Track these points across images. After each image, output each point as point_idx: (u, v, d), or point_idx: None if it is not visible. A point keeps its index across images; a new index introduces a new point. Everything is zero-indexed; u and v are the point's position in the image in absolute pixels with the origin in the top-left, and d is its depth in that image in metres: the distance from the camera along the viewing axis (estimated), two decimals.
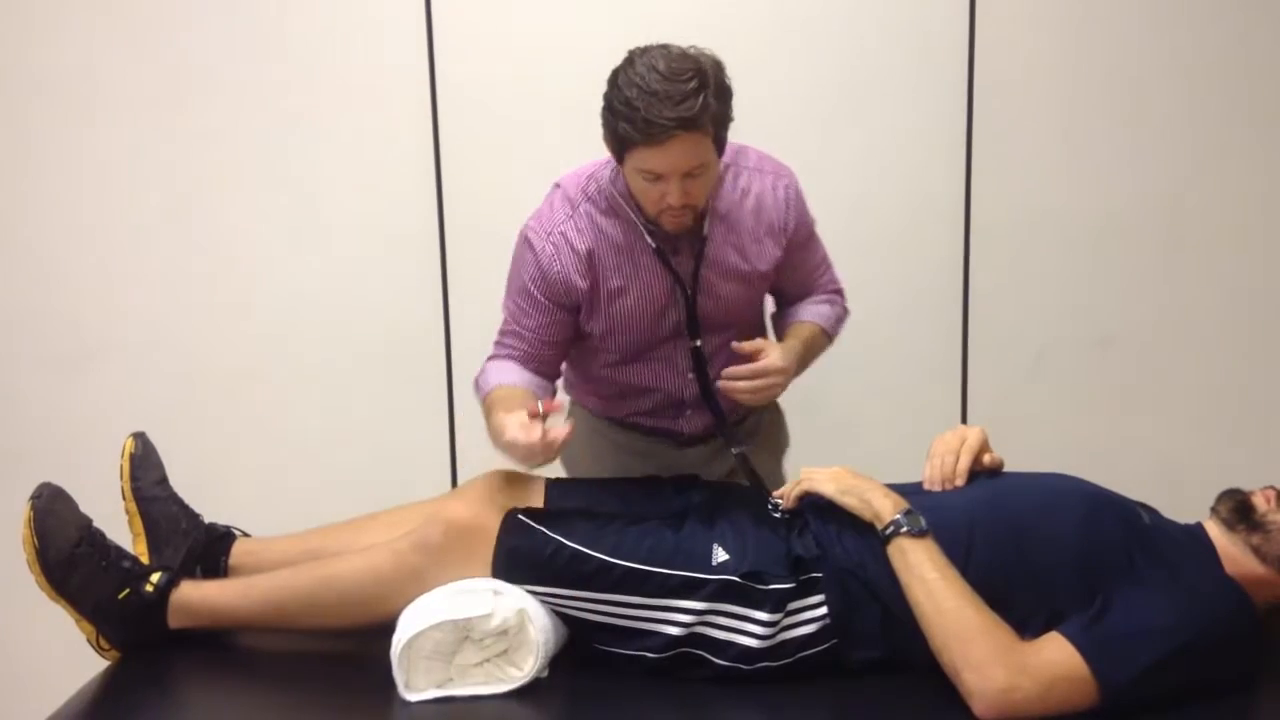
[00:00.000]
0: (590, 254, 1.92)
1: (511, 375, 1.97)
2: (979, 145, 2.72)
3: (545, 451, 1.73)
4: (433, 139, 2.75)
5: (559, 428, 1.75)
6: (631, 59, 1.76)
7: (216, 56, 2.72)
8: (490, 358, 2.03)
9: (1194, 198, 2.75)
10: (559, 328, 1.98)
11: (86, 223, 2.80)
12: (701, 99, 1.70)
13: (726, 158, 1.91)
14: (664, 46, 1.77)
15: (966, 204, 2.75)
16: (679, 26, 2.63)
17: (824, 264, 2.12)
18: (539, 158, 2.74)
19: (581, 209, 1.94)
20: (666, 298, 1.95)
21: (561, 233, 1.93)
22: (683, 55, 1.75)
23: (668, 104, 1.69)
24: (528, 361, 1.99)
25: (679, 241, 1.92)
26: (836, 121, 2.68)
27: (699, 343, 1.98)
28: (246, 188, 2.79)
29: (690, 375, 2.02)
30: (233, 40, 2.72)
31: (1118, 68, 2.70)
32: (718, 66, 1.77)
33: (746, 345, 1.91)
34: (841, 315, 2.15)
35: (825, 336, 2.10)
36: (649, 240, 1.91)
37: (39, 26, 2.72)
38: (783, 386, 1.95)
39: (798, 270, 2.07)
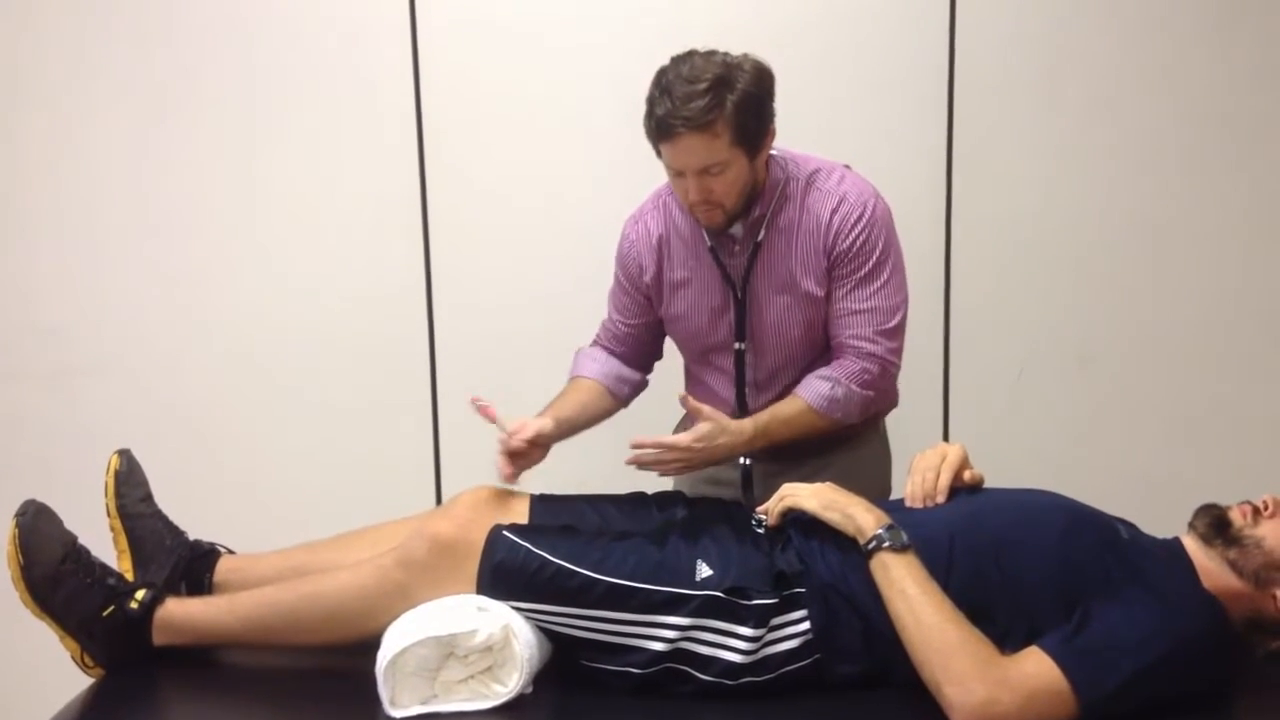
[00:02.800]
0: (661, 241, 2.08)
1: (591, 366, 2.19)
2: (959, 163, 2.75)
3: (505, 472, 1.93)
4: (417, 150, 2.76)
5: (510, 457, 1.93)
6: (674, 59, 1.87)
7: (200, 68, 2.74)
8: (593, 341, 2.24)
9: (1174, 215, 2.78)
10: (638, 310, 2.16)
11: (69, 235, 2.80)
12: (709, 101, 1.80)
13: (804, 173, 1.99)
14: (709, 51, 1.87)
15: (947, 221, 2.77)
16: (658, 28, 2.69)
17: (862, 315, 1.99)
18: (525, 175, 2.77)
19: (663, 200, 2.08)
20: (722, 298, 2.04)
21: (644, 221, 2.11)
22: (712, 60, 1.84)
23: (679, 103, 1.80)
24: (615, 342, 2.21)
25: (734, 244, 2.00)
26: (814, 138, 2.69)
27: (741, 345, 2.05)
28: (231, 200, 2.79)
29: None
30: (216, 53, 2.73)
31: (1097, 85, 2.73)
32: (755, 76, 1.86)
33: (691, 404, 1.97)
34: (847, 396, 1.99)
35: (815, 415, 2.00)
36: (705, 238, 2.01)
37: (21, 36, 2.73)
38: (689, 465, 1.96)
39: (831, 306, 2.00)
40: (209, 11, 2.73)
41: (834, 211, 1.97)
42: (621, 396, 2.20)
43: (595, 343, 2.25)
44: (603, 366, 2.19)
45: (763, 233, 1.99)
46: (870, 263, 1.98)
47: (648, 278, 2.11)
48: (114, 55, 2.73)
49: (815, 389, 2.01)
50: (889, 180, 2.74)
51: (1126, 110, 2.74)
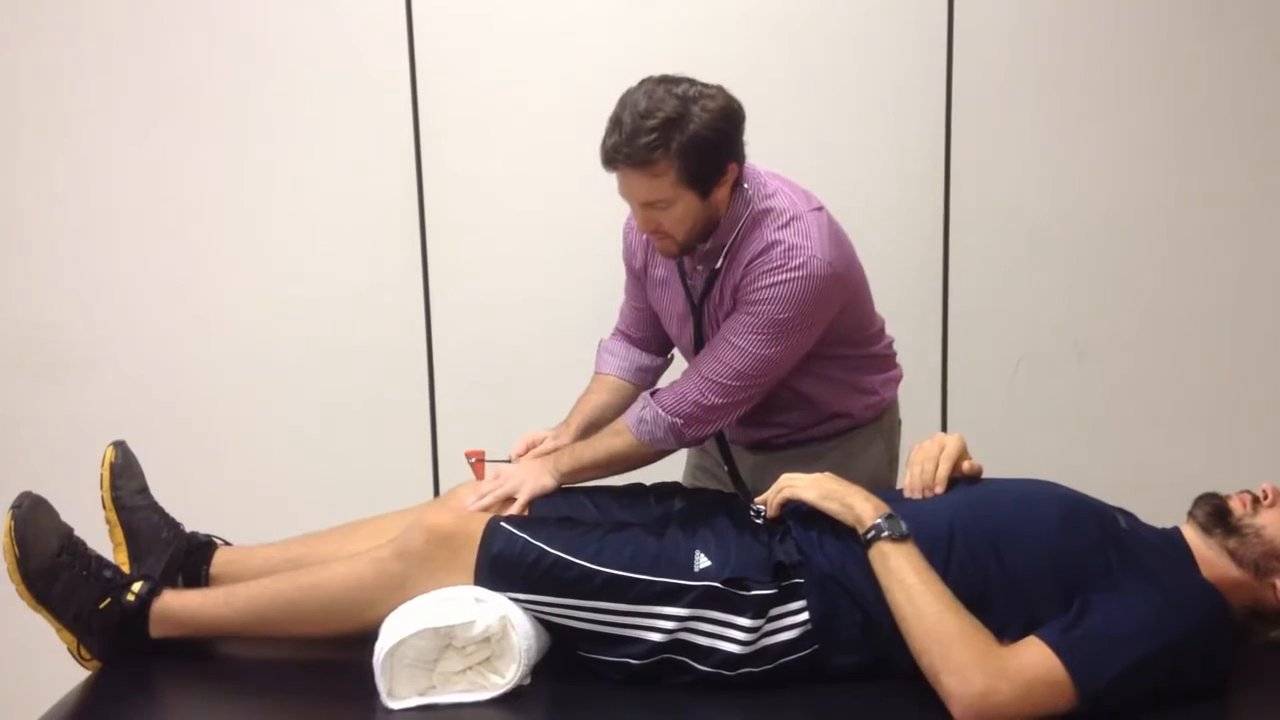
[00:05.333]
0: (650, 239, 2.02)
1: (611, 361, 2.21)
2: (958, 156, 2.74)
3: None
4: (414, 145, 2.75)
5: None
6: (641, 83, 1.83)
7: (197, 64, 2.72)
8: (614, 328, 2.27)
9: (1173, 208, 2.77)
10: (639, 294, 2.18)
11: (65, 230, 2.79)
12: (654, 140, 1.76)
13: (758, 210, 1.89)
14: (671, 80, 1.81)
15: (945, 215, 2.77)
16: (656, 23, 2.68)
17: (714, 351, 1.92)
18: (522, 172, 2.77)
19: None
20: (684, 308, 2.04)
21: None
22: (673, 94, 1.79)
23: (625, 137, 1.77)
24: (632, 327, 2.23)
25: (696, 264, 1.98)
26: (813, 132, 2.69)
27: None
28: (227, 196, 2.78)
29: None
30: (213, 48, 2.72)
31: (1096, 78, 2.72)
32: (716, 116, 1.79)
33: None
34: (655, 419, 1.93)
35: (613, 433, 1.99)
36: None
37: (16, 30, 2.72)
38: (498, 494, 1.91)
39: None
40: (205, 8, 2.72)
41: (755, 257, 1.87)
42: (645, 384, 2.22)
43: (616, 329, 2.26)
44: (622, 361, 2.21)
45: (721, 261, 1.93)
46: (762, 314, 1.86)
47: (637, 265, 2.12)
48: (110, 52, 2.72)
49: (633, 407, 1.99)
50: (888, 174, 2.76)
51: (1125, 103, 2.73)
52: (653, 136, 1.76)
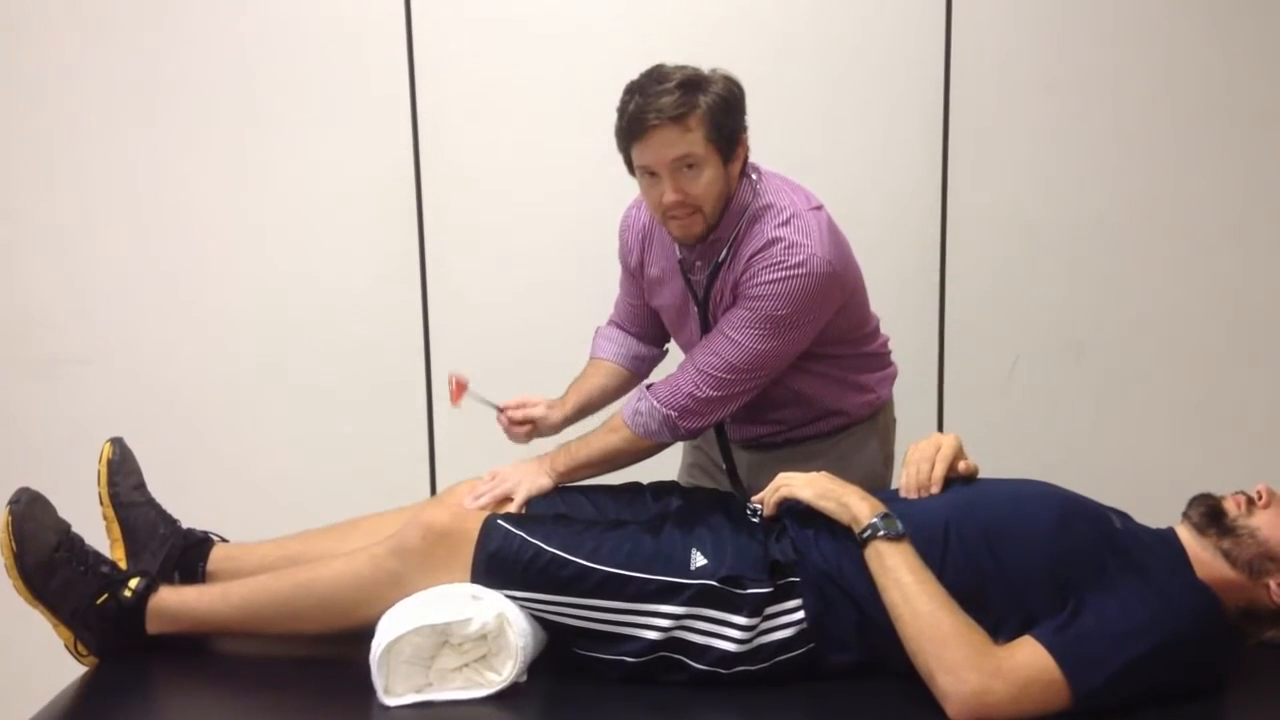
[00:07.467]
0: (645, 233, 2.09)
1: (608, 348, 2.24)
2: (955, 156, 2.74)
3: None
4: (412, 140, 2.75)
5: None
6: (642, 73, 1.86)
7: (195, 60, 2.72)
8: (609, 318, 2.30)
9: (1171, 206, 2.78)
10: (638, 291, 2.18)
11: (62, 226, 2.79)
12: (680, 96, 1.80)
13: (760, 205, 1.91)
14: (679, 65, 1.86)
15: (943, 214, 2.77)
16: (655, 14, 2.68)
17: (712, 342, 1.92)
18: (520, 164, 2.77)
19: None
20: (683, 303, 2.05)
21: (640, 207, 2.11)
22: (681, 69, 1.84)
23: (650, 99, 1.80)
24: (627, 321, 2.25)
25: (700, 260, 1.98)
26: (811, 132, 2.70)
27: None
28: (224, 193, 2.78)
29: None
30: (208, 43, 2.72)
31: (1094, 75, 2.73)
32: (725, 83, 1.85)
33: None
34: (650, 411, 1.94)
35: (607, 429, 2.00)
36: (676, 250, 2.01)
37: (9, 29, 2.71)
38: (495, 492, 1.92)
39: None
40: (203, 4, 2.72)
41: (756, 252, 1.88)
42: (640, 372, 2.24)
43: (611, 320, 2.28)
44: (619, 347, 2.23)
45: (725, 253, 1.93)
46: (759, 309, 1.87)
47: (633, 263, 2.13)
48: (107, 45, 2.72)
49: (629, 401, 2.00)
50: (886, 174, 2.75)
51: (1123, 100, 2.74)
52: (678, 94, 1.80)
